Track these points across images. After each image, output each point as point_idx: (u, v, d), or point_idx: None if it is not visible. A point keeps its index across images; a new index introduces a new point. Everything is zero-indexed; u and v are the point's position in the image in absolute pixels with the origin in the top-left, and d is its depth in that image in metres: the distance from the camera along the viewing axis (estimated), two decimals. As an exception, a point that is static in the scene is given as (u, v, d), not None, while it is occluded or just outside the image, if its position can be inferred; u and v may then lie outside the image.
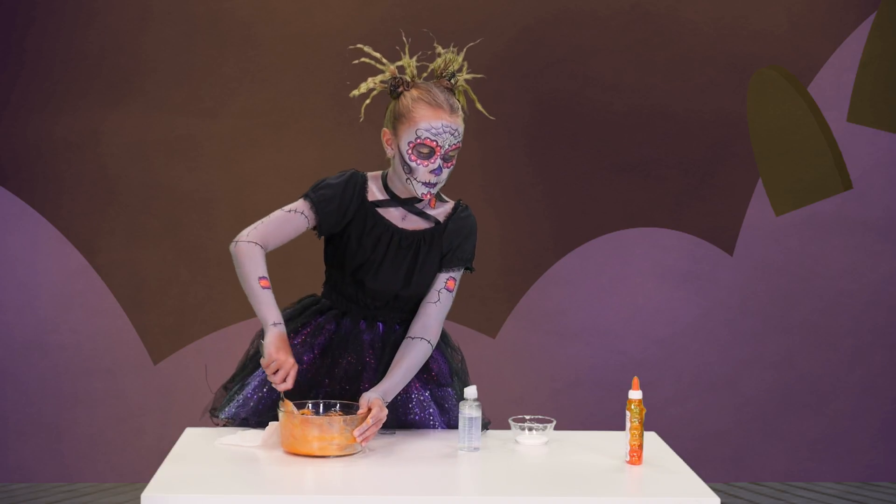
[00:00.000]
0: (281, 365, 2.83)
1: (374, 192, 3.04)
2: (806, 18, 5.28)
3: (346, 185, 3.01)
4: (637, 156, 5.29)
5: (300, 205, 3.00)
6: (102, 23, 5.08)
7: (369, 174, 3.07)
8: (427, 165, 2.93)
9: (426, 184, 2.95)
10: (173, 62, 5.12)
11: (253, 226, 2.99)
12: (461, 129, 2.94)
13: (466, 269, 3.09)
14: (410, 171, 2.95)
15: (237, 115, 5.17)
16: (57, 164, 5.10)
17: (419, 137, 2.91)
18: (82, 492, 5.04)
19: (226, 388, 3.12)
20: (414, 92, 2.95)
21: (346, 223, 3.01)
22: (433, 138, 2.91)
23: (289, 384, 2.83)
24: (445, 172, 2.95)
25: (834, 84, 5.29)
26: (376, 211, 3.02)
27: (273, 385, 2.85)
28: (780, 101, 5.30)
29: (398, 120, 2.95)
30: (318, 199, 2.99)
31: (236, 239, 2.97)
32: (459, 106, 2.95)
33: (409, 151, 2.93)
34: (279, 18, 5.15)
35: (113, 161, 5.13)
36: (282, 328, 2.89)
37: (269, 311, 2.91)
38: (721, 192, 5.32)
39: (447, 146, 2.92)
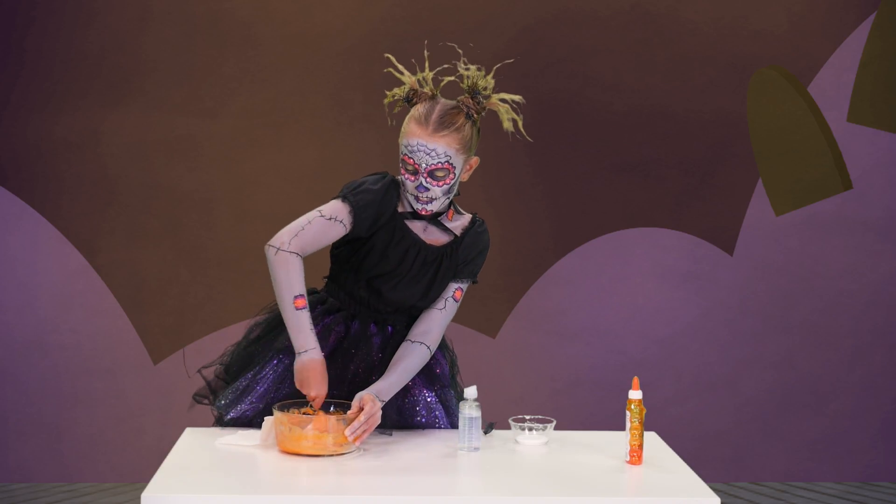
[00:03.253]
0: (314, 398, 2.87)
1: (404, 203, 3.00)
2: (806, 18, 5.28)
3: (386, 193, 2.95)
4: (637, 156, 5.29)
5: (339, 210, 2.91)
6: (102, 23, 5.08)
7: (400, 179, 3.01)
8: (413, 181, 2.91)
9: (416, 199, 2.92)
10: (173, 62, 5.12)
11: (292, 231, 2.88)
12: (443, 149, 2.87)
13: (472, 281, 3.10)
14: (403, 184, 2.94)
15: (237, 115, 5.17)
16: (57, 164, 5.10)
17: (402, 153, 2.91)
18: (82, 492, 5.04)
19: (225, 379, 3.09)
20: (418, 106, 2.92)
21: (374, 230, 2.96)
22: (410, 156, 2.89)
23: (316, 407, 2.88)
24: (437, 190, 2.91)
25: (834, 84, 5.29)
26: (405, 223, 2.98)
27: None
28: (780, 101, 5.30)
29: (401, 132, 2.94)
30: (358, 203, 2.91)
31: (276, 245, 2.87)
32: (454, 125, 2.88)
33: (400, 165, 2.92)
34: (279, 18, 5.15)
35: (113, 161, 5.13)
36: (314, 353, 2.87)
37: (303, 336, 2.87)
38: (721, 192, 5.32)
39: (424, 165, 2.87)
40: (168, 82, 5.13)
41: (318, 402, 2.88)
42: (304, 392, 2.87)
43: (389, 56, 3.02)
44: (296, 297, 2.86)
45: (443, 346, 3.15)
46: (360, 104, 5.15)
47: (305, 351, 2.87)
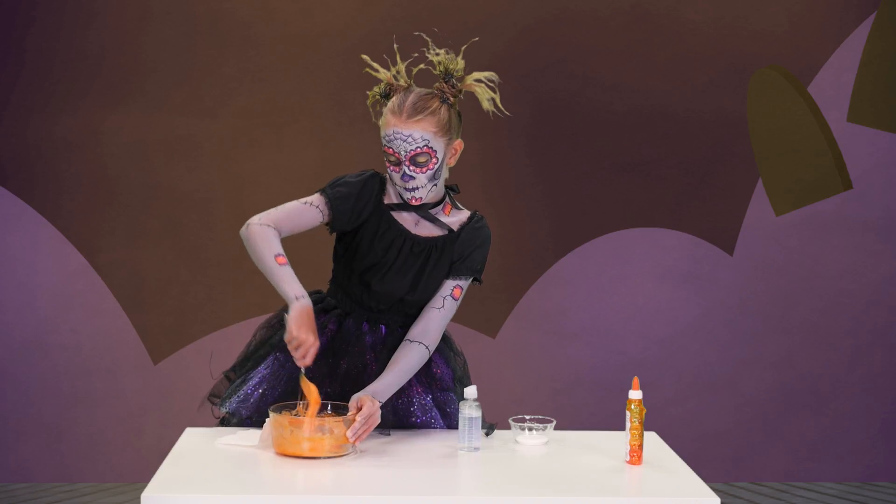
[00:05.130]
0: (301, 343, 2.81)
1: (391, 195, 3.03)
2: (806, 18, 5.28)
3: (364, 186, 2.99)
4: (637, 156, 5.30)
5: (316, 199, 2.98)
6: (102, 23, 5.08)
7: (388, 176, 3.06)
8: (397, 172, 2.94)
9: (404, 188, 2.95)
10: (173, 62, 5.13)
11: (266, 212, 2.96)
12: (419, 134, 2.90)
13: (475, 280, 3.08)
14: (390, 177, 2.98)
15: (237, 115, 5.17)
16: (57, 164, 5.10)
17: (383, 146, 2.94)
18: (82, 492, 5.05)
19: (227, 377, 3.11)
20: (394, 98, 2.95)
21: (359, 223, 2.99)
22: (388, 145, 2.92)
23: (307, 361, 2.82)
24: (422, 177, 2.93)
25: (834, 84, 5.29)
26: (391, 215, 3.01)
27: (295, 361, 2.84)
28: (780, 101, 5.30)
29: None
30: (334, 195, 2.97)
31: (248, 222, 2.93)
32: (427, 109, 2.91)
33: (384, 159, 2.95)
34: (279, 18, 5.15)
35: (113, 161, 5.13)
36: (305, 301, 2.84)
37: (289, 286, 2.86)
38: (721, 192, 5.32)
39: (403, 153, 2.90)
40: (168, 82, 5.13)
41: (312, 352, 2.82)
42: (301, 338, 2.81)
43: (365, 56, 3.06)
44: (276, 255, 2.89)
45: (444, 348, 3.13)
46: (360, 104, 5.11)
47: (297, 299, 2.84)
